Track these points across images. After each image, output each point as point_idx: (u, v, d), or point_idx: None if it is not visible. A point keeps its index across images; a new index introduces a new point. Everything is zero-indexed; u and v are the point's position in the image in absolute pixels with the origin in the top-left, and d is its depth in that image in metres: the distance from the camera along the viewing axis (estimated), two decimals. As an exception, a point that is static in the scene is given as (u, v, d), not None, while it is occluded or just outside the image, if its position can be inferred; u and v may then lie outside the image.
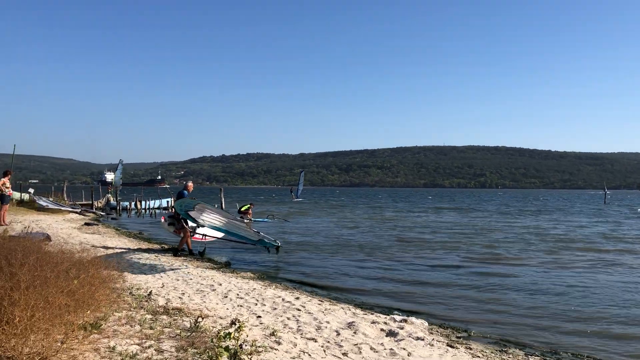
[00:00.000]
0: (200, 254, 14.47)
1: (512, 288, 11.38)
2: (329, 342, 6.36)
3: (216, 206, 19.99)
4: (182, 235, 14.65)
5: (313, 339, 6.42)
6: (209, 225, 13.31)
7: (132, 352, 4.90)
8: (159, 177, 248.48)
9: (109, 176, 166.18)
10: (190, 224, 14.28)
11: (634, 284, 12.06)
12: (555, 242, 21.08)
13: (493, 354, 6.69)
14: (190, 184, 15.64)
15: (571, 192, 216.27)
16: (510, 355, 6.74)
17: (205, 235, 15.25)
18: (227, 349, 4.76)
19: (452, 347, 6.72)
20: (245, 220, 29.21)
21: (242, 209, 30.84)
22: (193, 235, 14.85)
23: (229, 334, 5.17)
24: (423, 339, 6.86)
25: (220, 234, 14.93)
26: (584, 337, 7.90)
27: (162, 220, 15.94)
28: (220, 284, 9.97)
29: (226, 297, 8.81)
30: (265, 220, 31.38)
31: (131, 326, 5.94)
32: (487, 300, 10.21)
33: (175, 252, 14.30)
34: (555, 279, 12.62)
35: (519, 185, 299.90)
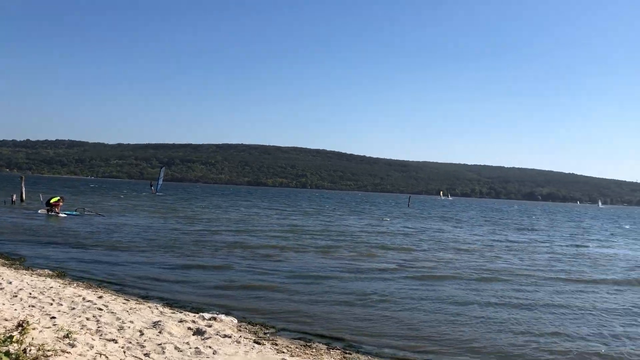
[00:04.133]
0: None
1: (322, 285, 11.89)
2: (130, 342, 6.05)
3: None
4: None
5: (113, 339, 6.05)
6: None
7: None
8: None
9: None
10: None
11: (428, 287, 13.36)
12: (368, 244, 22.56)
13: (297, 349, 6.92)
14: None
15: (382, 195, 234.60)
16: (314, 350, 7.03)
17: None
18: (7, 354, 4.26)
19: (258, 343, 6.81)
20: (52, 213, 27.12)
21: (52, 200, 28.68)
22: None
23: (11, 337, 4.65)
24: (230, 337, 6.86)
25: None
26: (387, 329, 8.52)
27: None
28: (10, 282, 8.97)
29: (16, 296, 7.94)
30: (74, 213, 29.18)
31: None
32: (296, 297, 10.52)
33: None
34: (360, 279, 13.46)
35: (336, 187, 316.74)
